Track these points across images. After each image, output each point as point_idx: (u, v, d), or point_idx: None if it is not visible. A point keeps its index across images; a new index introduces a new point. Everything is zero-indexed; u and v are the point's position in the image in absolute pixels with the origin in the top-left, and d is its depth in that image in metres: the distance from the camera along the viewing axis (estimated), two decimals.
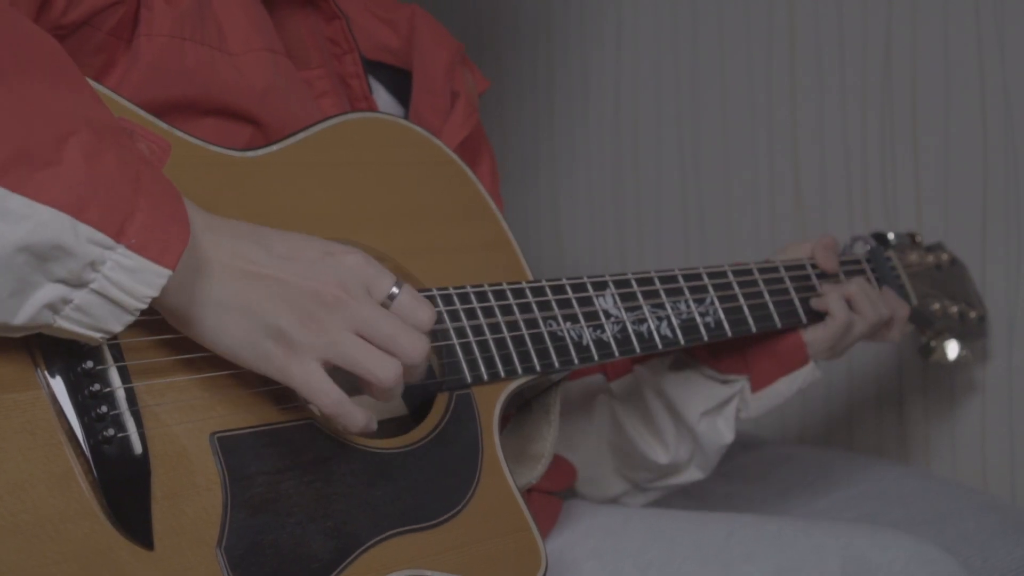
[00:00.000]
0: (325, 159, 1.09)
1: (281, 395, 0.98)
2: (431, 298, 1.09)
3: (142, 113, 0.99)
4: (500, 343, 1.11)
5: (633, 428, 1.42)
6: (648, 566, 1.24)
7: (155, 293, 0.85)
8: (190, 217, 0.88)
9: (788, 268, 1.37)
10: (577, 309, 1.18)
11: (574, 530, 1.32)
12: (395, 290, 0.96)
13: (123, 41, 1.05)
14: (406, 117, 1.32)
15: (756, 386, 1.38)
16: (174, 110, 1.05)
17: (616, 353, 1.19)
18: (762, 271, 1.34)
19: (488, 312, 1.12)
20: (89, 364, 0.89)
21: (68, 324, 0.84)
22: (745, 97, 1.86)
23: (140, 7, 1.06)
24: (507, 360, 1.11)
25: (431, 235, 1.14)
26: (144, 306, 0.85)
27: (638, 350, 1.20)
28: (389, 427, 1.02)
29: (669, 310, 1.24)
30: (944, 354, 1.55)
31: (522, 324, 1.13)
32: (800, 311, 1.36)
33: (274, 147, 1.07)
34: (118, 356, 0.91)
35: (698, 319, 1.26)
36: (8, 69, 0.83)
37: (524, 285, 1.16)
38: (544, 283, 1.17)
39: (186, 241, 0.86)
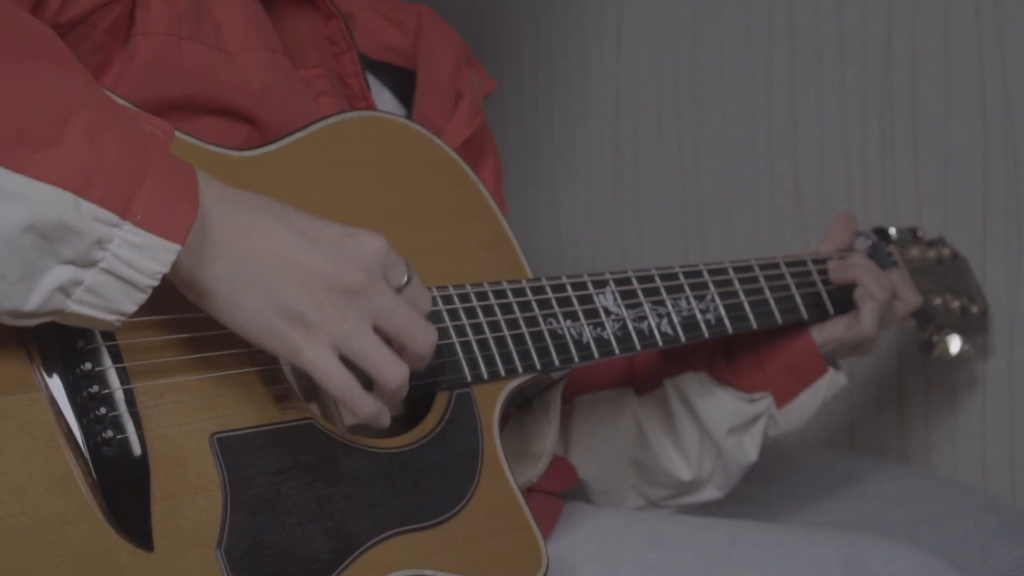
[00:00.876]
0: (323, 158, 1.09)
1: (281, 396, 0.98)
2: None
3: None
4: (500, 342, 1.11)
5: (658, 442, 1.42)
6: (649, 571, 1.24)
7: (165, 269, 0.84)
8: (203, 190, 0.87)
9: (789, 264, 1.37)
10: (577, 307, 1.17)
11: (575, 533, 1.32)
12: (406, 278, 0.97)
13: (119, 40, 1.05)
14: (408, 118, 1.31)
15: (780, 402, 1.38)
16: (171, 109, 1.05)
17: (617, 351, 1.19)
18: (763, 267, 1.34)
19: (488, 311, 1.12)
20: (88, 365, 0.88)
21: (81, 308, 0.83)
22: (745, 97, 1.86)
23: (136, 6, 1.05)
24: (507, 359, 1.11)
25: (430, 234, 1.14)
26: (155, 283, 0.84)
27: (639, 347, 1.20)
28: (389, 427, 1.01)
29: (670, 307, 1.24)
30: (946, 349, 1.54)
31: (522, 323, 1.13)
32: (801, 307, 1.36)
33: (272, 146, 1.07)
34: (117, 357, 0.90)
35: (699, 316, 1.26)
36: (7, 51, 0.83)
37: (524, 284, 1.15)
38: (544, 281, 1.17)
39: (195, 215, 0.85)
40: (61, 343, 0.88)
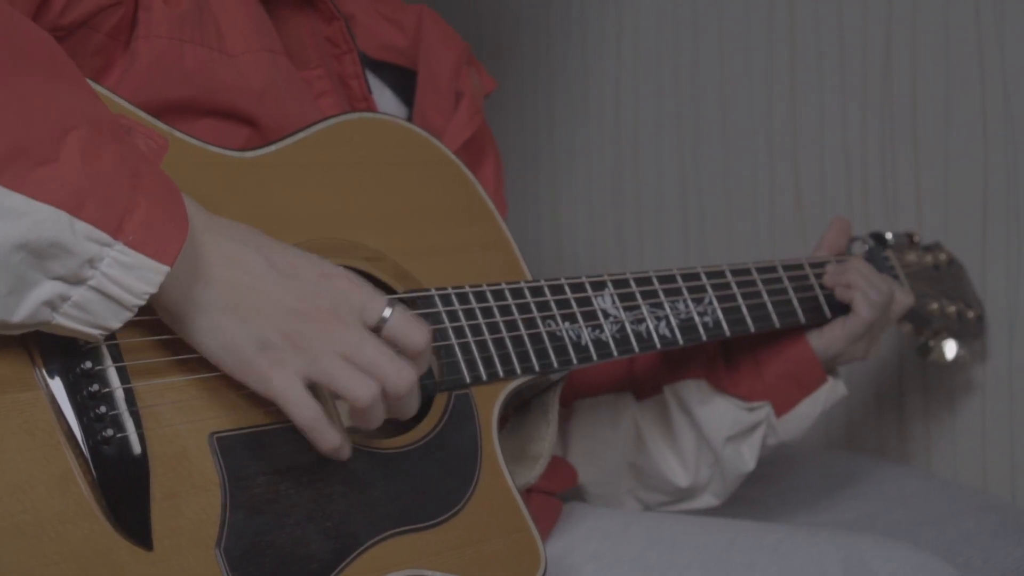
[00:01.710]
0: (323, 159, 1.09)
1: None
2: (429, 298, 1.09)
3: (140, 113, 0.99)
4: (499, 343, 1.11)
5: (656, 447, 1.42)
6: (648, 571, 1.24)
7: (153, 289, 0.85)
8: (190, 215, 0.88)
9: (786, 268, 1.37)
10: (575, 309, 1.18)
11: (574, 533, 1.32)
12: (387, 313, 0.95)
13: (121, 43, 1.05)
14: (410, 117, 1.32)
15: (780, 411, 1.38)
16: (172, 111, 1.05)
17: (615, 353, 1.19)
18: (760, 271, 1.34)
19: (487, 312, 1.12)
20: (88, 364, 0.89)
21: (67, 321, 0.84)
22: (745, 97, 1.86)
23: (138, 8, 1.05)
24: (506, 360, 1.11)
25: (430, 235, 1.14)
26: (142, 303, 0.85)
27: (637, 349, 1.20)
28: (388, 427, 1.02)
29: (668, 310, 1.24)
30: (942, 354, 1.55)
31: (521, 324, 1.14)
32: (799, 311, 1.36)
33: (272, 147, 1.07)
34: (117, 356, 0.91)
35: (696, 319, 1.26)
36: (6, 66, 0.83)
37: (523, 285, 1.16)
38: (543, 283, 1.17)
39: (184, 238, 0.85)
40: (61, 342, 0.88)
